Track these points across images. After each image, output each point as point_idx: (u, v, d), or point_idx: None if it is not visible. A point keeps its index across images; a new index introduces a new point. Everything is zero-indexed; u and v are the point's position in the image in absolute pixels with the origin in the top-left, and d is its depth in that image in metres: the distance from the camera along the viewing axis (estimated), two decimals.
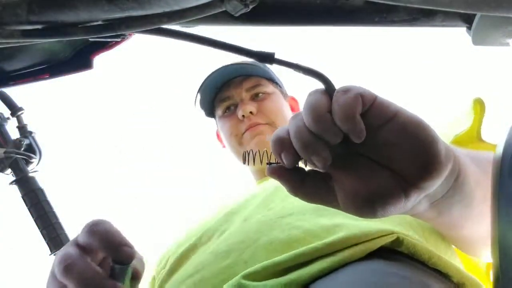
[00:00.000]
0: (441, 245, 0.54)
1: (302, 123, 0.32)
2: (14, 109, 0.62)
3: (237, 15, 0.37)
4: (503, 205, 0.28)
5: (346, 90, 0.31)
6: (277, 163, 0.34)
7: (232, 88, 0.89)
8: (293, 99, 1.00)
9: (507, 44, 0.43)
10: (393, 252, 0.45)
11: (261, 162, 0.39)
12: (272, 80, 0.93)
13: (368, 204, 0.31)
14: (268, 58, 0.38)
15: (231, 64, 0.91)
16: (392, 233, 0.45)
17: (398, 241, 0.44)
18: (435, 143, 0.30)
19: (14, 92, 0.62)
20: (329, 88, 0.33)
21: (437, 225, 0.47)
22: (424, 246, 0.45)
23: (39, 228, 0.53)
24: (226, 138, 0.90)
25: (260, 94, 0.89)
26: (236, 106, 0.88)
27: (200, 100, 0.93)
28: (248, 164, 0.45)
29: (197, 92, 0.93)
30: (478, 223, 0.42)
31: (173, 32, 0.40)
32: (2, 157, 0.57)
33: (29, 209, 0.55)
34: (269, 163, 0.35)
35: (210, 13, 0.37)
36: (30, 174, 0.58)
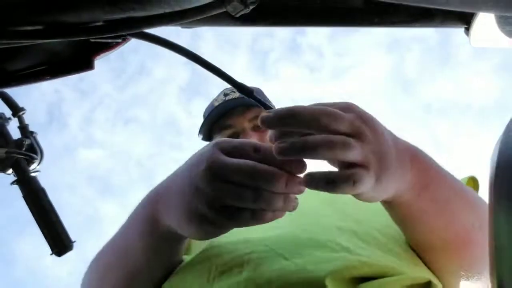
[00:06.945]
0: None
1: None
2: (16, 110, 0.62)
3: (237, 15, 0.37)
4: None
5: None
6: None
7: (235, 117, 0.90)
8: None
9: (505, 44, 0.43)
10: None
11: None
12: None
13: None
14: (246, 92, 0.39)
15: (233, 98, 0.93)
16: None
17: (431, 285, 0.52)
18: None
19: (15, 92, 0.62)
20: None
21: (411, 212, 0.52)
22: None
23: (40, 227, 0.53)
24: None
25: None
26: (237, 135, 0.90)
27: (202, 125, 0.96)
28: None
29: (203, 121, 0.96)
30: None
31: (171, 44, 0.40)
32: (4, 157, 0.57)
33: (30, 209, 0.55)
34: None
35: (211, 14, 0.38)
36: (32, 174, 0.58)
